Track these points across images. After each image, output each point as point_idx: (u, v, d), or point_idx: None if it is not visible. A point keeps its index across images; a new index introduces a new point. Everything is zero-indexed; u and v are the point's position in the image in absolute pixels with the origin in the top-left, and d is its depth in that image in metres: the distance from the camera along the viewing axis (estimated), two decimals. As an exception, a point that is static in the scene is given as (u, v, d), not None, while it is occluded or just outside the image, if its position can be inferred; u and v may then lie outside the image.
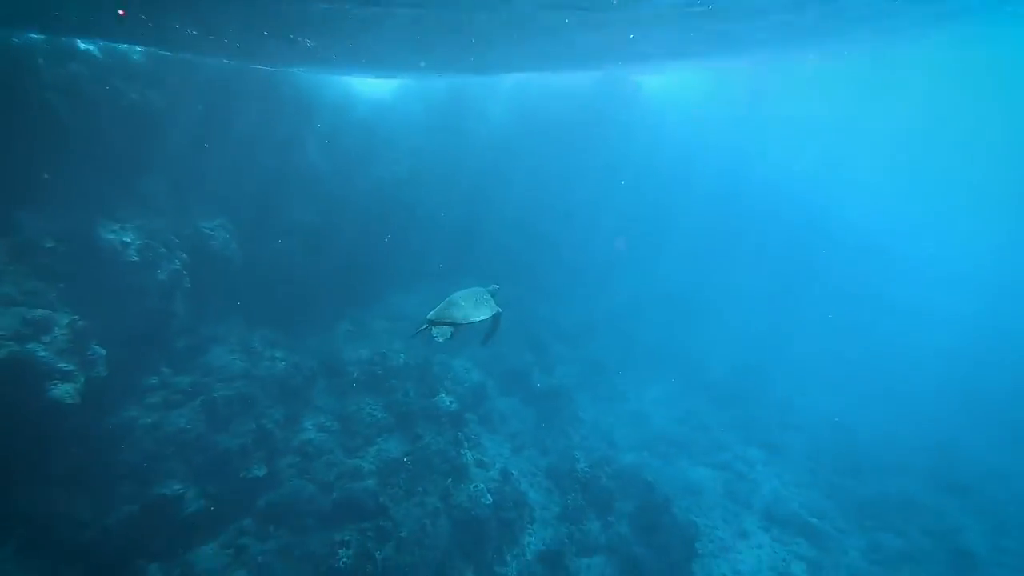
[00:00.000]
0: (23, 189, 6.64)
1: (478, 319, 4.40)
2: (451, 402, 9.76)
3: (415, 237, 14.40)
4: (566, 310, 19.48)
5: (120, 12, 5.77)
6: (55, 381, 5.47)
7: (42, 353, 5.48)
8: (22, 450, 5.45)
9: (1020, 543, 11.07)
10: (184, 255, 7.53)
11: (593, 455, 10.99)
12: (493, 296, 4.83)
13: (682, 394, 17.00)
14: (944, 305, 29.69)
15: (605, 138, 19.69)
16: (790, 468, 13.32)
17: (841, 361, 22.36)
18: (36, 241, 6.35)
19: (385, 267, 13.11)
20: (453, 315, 4.24)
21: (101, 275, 6.38)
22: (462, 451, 8.98)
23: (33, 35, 7.25)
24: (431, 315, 4.25)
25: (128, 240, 6.44)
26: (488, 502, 8.22)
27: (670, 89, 25.96)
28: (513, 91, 17.61)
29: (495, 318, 4.71)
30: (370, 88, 14.39)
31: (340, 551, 6.71)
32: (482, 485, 8.46)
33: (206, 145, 8.86)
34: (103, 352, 5.99)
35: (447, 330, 4.17)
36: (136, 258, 6.46)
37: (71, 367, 5.59)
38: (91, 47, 7.90)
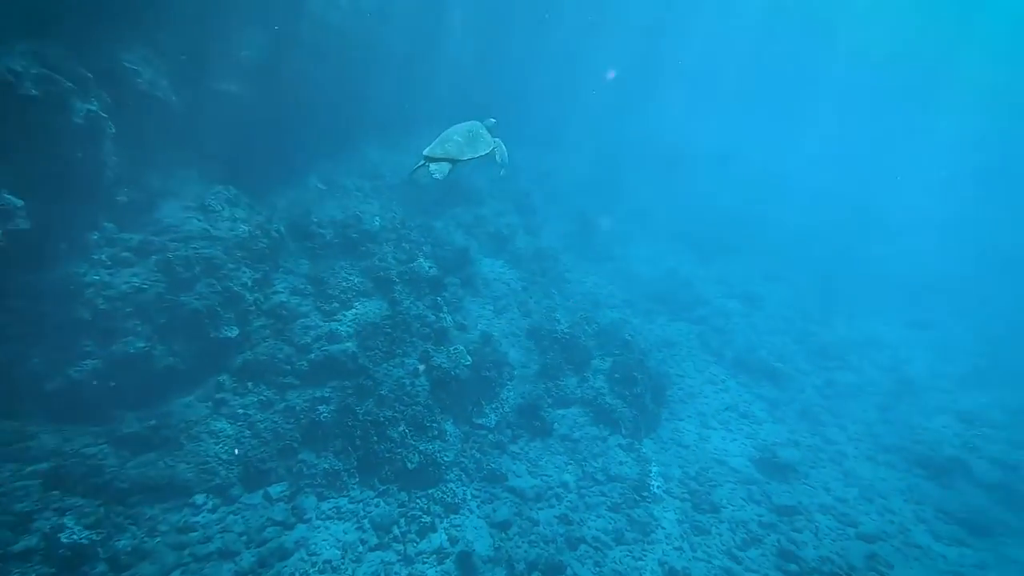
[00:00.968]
0: None
1: (477, 155, 4.31)
2: (430, 267, 9.44)
3: (389, 80, 12.72)
4: (553, 159, 18.46)
5: None
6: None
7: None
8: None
9: (956, 368, 12.08)
10: (104, 94, 6.36)
11: (575, 315, 11.14)
12: (490, 130, 4.66)
13: (669, 250, 17.02)
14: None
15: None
16: (765, 318, 13.85)
17: (834, 204, 22.26)
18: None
19: (357, 115, 11.75)
20: (450, 151, 4.12)
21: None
22: (442, 315, 8.93)
23: None
24: (427, 151, 4.10)
25: (19, 69, 5.27)
26: (468, 363, 8.39)
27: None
28: None
29: (495, 151, 4.62)
30: None
31: (320, 407, 6.91)
32: (462, 347, 8.56)
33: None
34: (20, 202, 5.30)
35: (445, 166, 4.06)
36: (35, 92, 5.37)
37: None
38: None
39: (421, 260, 9.48)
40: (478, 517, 6.98)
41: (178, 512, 5.69)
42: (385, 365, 7.84)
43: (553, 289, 11.92)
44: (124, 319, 6.15)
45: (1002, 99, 33.50)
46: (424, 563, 6.14)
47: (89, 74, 6.25)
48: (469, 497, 7.22)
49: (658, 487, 8.13)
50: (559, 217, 15.70)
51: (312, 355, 7.34)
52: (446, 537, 6.58)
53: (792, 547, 7.07)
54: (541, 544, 6.82)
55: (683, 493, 8.04)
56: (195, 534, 5.57)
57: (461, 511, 6.98)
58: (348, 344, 7.66)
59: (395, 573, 5.94)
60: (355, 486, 6.79)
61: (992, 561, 7.09)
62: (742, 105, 29.97)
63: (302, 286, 7.89)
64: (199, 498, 5.77)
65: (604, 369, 9.88)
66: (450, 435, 7.75)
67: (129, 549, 5.09)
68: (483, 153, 4.37)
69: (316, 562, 5.80)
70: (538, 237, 13.18)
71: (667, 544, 7.15)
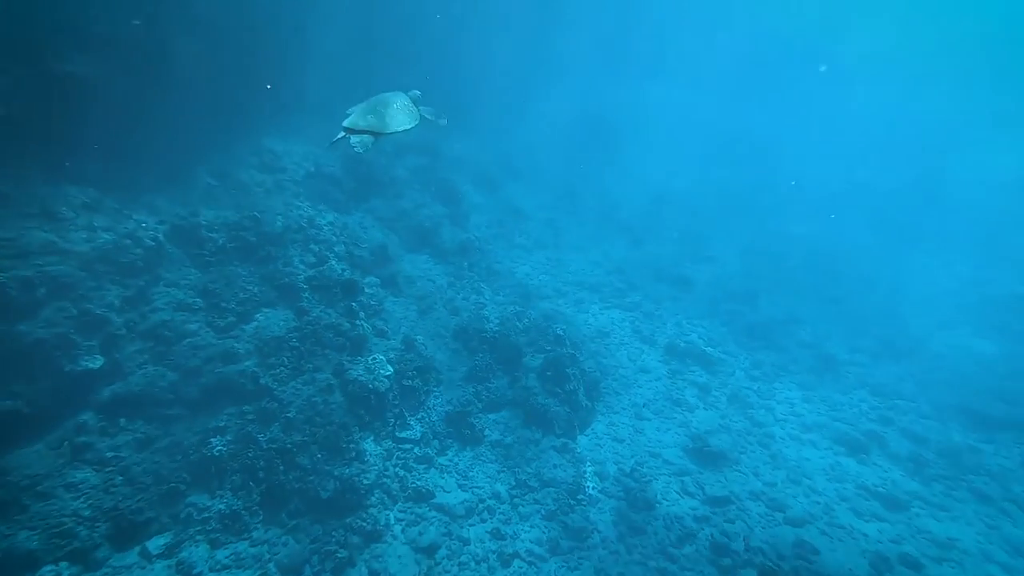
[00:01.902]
0: None
1: (401, 128, 4.06)
2: (344, 269, 8.59)
3: (293, 60, 11.47)
4: (480, 145, 17.75)
5: None
6: None
7: None
8: None
9: (872, 343, 12.76)
10: None
11: (505, 310, 10.69)
12: (415, 103, 4.36)
13: (600, 235, 16.89)
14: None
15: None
16: (695, 301, 14.00)
17: (759, 181, 23.01)
18: None
19: (257, 101, 10.48)
20: (372, 123, 3.89)
21: None
22: (358, 322, 8.15)
23: None
24: (348, 122, 3.86)
25: None
26: (389, 373, 7.72)
27: None
28: None
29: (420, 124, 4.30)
30: None
31: (214, 439, 6.03)
32: (381, 356, 7.86)
33: None
34: None
35: (367, 139, 3.84)
36: None
37: None
38: None
39: (333, 262, 8.61)
40: (403, 543, 6.42)
41: (18, 594, 4.70)
42: (293, 383, 7.02)
43: (482, 283, 11.39)
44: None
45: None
46: (339, 607, 5.53)
47: None
48: (392, 521, 6.64)
49: (593, 488, 7.90)
50: (486, 205, 15.10)
51: (203, 379, 6.39)
52: (366, 571, 5.99)
53: (725, 540, 7.06)
54: (472, 565, 6.39)
55: (618, 492, 7.85)
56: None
57: (384, 538, 6.39)
58: (247, 363, 6.76)
59: (304, 624, 5.29)
60: (258, 525, 6.01)
61: (907, 534, 7.42)
62: (664, 76, 30.29)
63: (189, 300, 6.85)
64: (48, 571, 4.78)
65: (536, 367, 9.50)
66: (370, 455, 7.08)
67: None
68: (409, 126, 4.11)
69: (209, 626, 5.04)
70: (465, 228, 12.55)
71: (603, 549, 6.92)
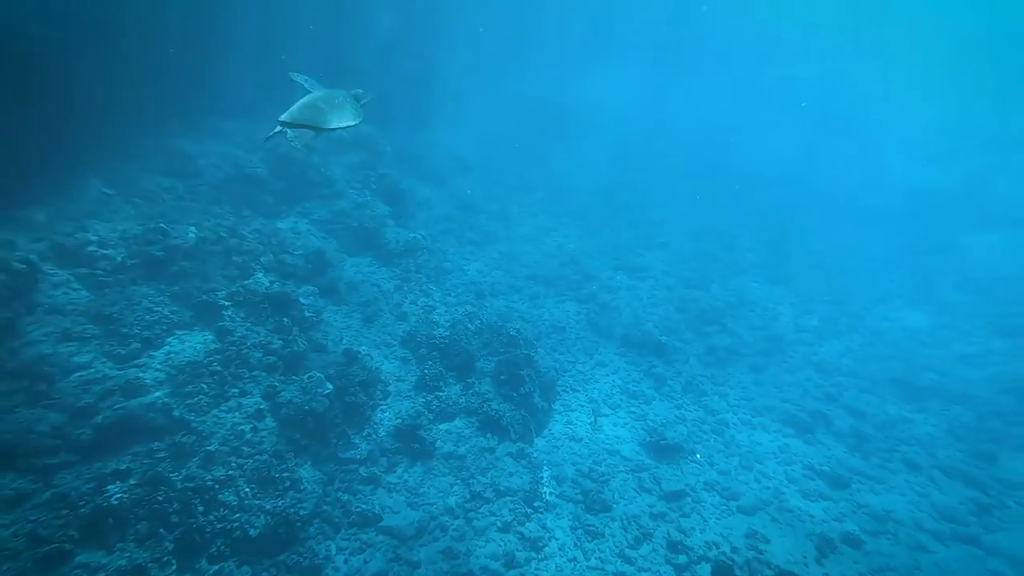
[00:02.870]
0: None
1: (343, 125, 3.84)
2: (272, 282, 7.93)
3: (208, 55, 10.48)
4: (427, 139, 17.08)
5: None
6: None
7: None
8: None
9: (816, 321, 13.11)
10: None
11: (456, 312, 10.28)
12: (359, 101, 4.17)
13: (554, 225, 16.64)
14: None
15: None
16: (650, 288, 13.99)
17: (711, 171, 23.26)
18: None
19: (165, 98, 9.50)
20: (312, 117, 3.65)
21: None
22: (292, 338, 7.56)
23: None
24: (285, 116, 3.61)
25: None
26: (327, 391, 7.20)
27: None
28: None
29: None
30: None
31: (113, 485, 5.36)
32: (319, 373, 7.32)
33: None
34: None
35: (307, 134, 3.62)
36: None
37: None
38: None
39: (259, 274, 7.94)
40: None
41: None
42: (215, 412, 6.40)
43: (431, 284, 10.91)
44: None
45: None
46: (273, 658, 5.09)
47: None
48: (334, 552, 6.20)
49: (550, 493, 7.70)
50: (434, 200, 14.54)
51: (99, 418, 5.67)
52: (305, 611, 5.57)
53: (681, 536, 7.01)
54: (422, 591, 6.06)
55: (576, 495, 7.69)
56: None
57: (323, 572, 5.96)
58: (157, 394, 6.08)
59: None
60: (173, 576, 5.44)
61: (848, 511, 7.59)
62: (616, 64, 30.15)
63: (78, 328, 6.06)
64: None
65: (490, 371, 9.18)
66: (307, 482, 6.58)
67: None
68: (351, 124, 3.90)
69: None
70: (410, 227, 11.98)
71: (560, 557, 6.74)
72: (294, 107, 3.71)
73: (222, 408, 6.43)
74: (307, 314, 8.41)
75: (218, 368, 6.66)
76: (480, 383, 8.89)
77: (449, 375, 8.84)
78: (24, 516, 4.87)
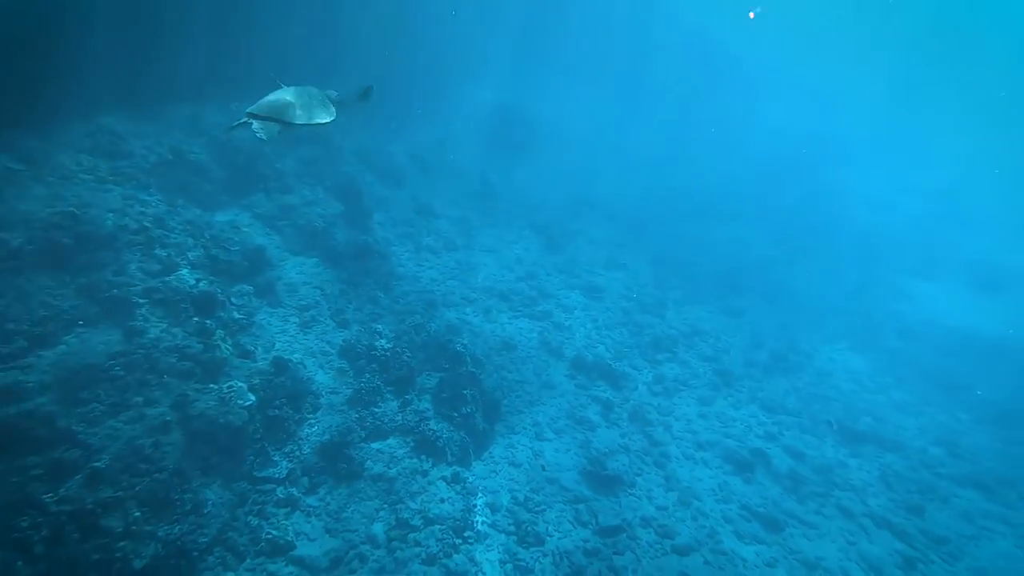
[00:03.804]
0: None
1: (313, 122, 3.79)
2: (199, 279, 7.29)
3: (155, 24, 9.69)
4: (388, 138, 16.54)
5: None
6: None
7: None
8: None
9: (765, 357, 13.29)
10: None
11: (403, 322, 9.82)
12: (332, 101, 4.15)
13: (515, 237, 16.37)
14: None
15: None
16: (605, 311, 13.88)
17: (674, 195, 23.55)
18: None
19: (101, 75, 8.67)
20: (281, 111, 3.58)
21: None
22: (214, 342, 6.95)
23: None
24: (253, 108, 3.56)
25: None
26: (249, 402, 6.63)
27: None
28: None
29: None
30: None
31: (-24, 509, 4.68)
32: (240, 383, 6.74)
33: None
34: None
35: (273, 127, 3.55)
36: None
37: None
38: None
39: (184, 270, 7.28)
40: (244, 613, 5.47)
41: None
42: (110, 423, 5.73)
43: (379, 292, 10.40)
44: None
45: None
46: None
47: None
48: (236, 586, 5.64)
49: (483, 522, 7.33)
50: (392, 202, 14.01)
51: (-34, 428, 4.97)
52: (192, 654, 4.99)
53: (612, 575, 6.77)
54: (330, 631, 5.58)
55: (509, 525, 7.35)
56: None
57: (219, 610, 5.40)
58: (40, 400, 5.38)
59: None
60: (36, 614, 4.76)
61: (780, 556, 7.57)
62: (585, 78, 30.36)
63: (-44, 322, 5.34)
64: None
65: (431, 387, 8.77)
66: (212, 504, 5.98)
67: None
68: (322, 121, 3.86)
69: None
70: (365, 229, 11.43)
71: (486, 594, 6.39)
72: (263, 100, 3.66)
73: (120, 419, 5.76)
74: (237, 315, 7.79)
75: (120, 373, 5.99)
76: (420, 400, 8.47)
77: (387, 390, 8.38)
78: None
